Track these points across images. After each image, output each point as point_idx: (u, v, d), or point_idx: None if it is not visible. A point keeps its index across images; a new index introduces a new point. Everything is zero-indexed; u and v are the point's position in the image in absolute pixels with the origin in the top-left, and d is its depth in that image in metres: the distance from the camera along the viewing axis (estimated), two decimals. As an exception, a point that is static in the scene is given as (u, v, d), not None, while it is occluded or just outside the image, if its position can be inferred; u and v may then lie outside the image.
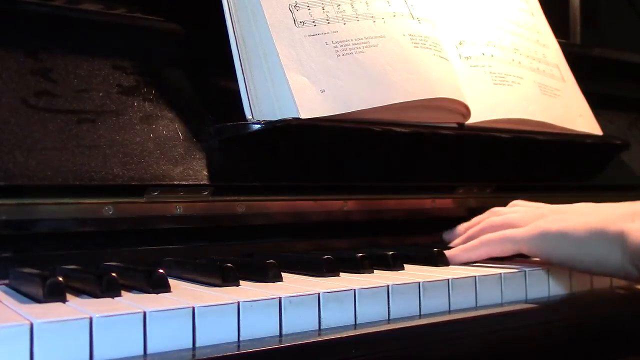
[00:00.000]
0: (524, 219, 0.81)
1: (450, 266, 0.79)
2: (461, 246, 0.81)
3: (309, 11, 0.86)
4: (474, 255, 0.80)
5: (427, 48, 0.91)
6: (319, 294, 0.59)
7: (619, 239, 0.70)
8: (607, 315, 0.77)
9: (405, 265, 0.76)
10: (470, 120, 0.97)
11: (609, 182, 1.22)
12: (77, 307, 0.52)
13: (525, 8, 1.17)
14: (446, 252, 0.81)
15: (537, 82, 1.09)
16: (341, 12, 0.88)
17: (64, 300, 0.55)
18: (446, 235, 0.93)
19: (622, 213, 0.73)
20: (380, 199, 0.97)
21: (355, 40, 0.87)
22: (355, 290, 0.61)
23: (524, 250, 0.77)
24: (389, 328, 0.60)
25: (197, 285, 0.65)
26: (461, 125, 0.97)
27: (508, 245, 0.78)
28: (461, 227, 0.92)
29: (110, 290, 0.57)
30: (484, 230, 0.84)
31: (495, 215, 0.87)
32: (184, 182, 0.79)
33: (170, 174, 0.78)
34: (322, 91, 0.82)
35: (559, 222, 0.76)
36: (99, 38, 0.84)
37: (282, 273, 0.67)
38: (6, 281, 0.69)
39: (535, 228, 0.77)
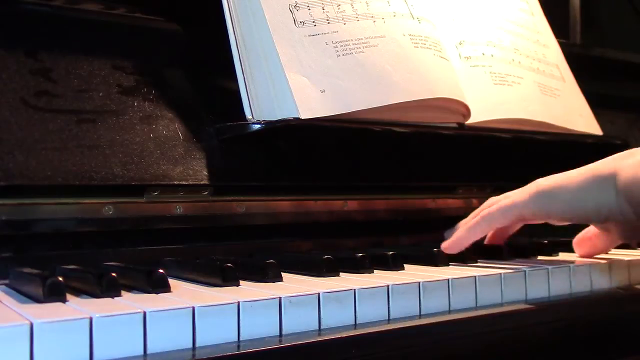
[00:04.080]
0: (519, 191, 0.82)
1: (450, 266, 0.79)
2: (463, 228, 0.81)
3: (309, 11, 0.86)
4: (477, 232, 0.80)
5: (427, 48, 0.91)
6: (319, 294, 0.58)
7: (611, 177, 0.70)
8: (607, 315, 0.77)
9: (405, 265, 0.76)
10: (471, 120, 0.97)
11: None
12: (77, 307, 0.52)
13: (525, 8, 1.17)
14: (449, 239, 0.81)
15: (537, 82, 1.09)
16: (341, 12, 0.88)
17: (64, 300, 0.55)
18: (447, 234, 0.93)
19: (613, 157, 0.75)
20: (380, 199, 0.97)
21: (355, 40, 0.87)
22: (355, 290, 0.61)
23: (524, 212, 0.77)
24: (389, 328, 0.60)
25: (197, 285, 0.65)
26: (461, 125, 0.97)
27: (507, 213, 0.78)
28: (460, 223, 0.92)
29: (110, 290, 0.57)
30: (482, 210, 0.85)
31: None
32: (184, 182, 0.79)
33: (170, 174, 0.78)
34: (322, 91, 0.82)
35: (552, 178, 0.77)
36: (99, 38, 0.84)
37: (282, 273, 0.67)
38: (6, 281, 0.69)
39: (531, 189, 0.78)
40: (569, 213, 0.75)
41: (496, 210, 0.80)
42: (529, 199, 0.77)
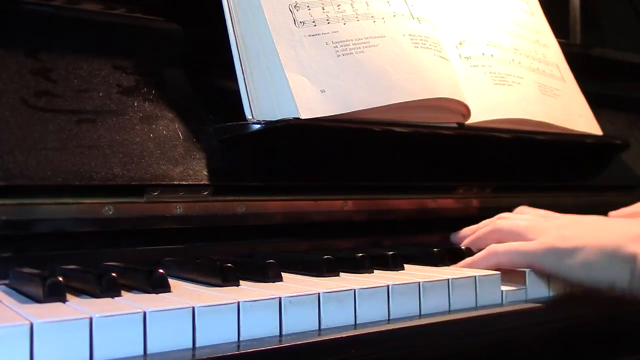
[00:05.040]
0: (532, 228, 0.80)
1: (450, 266, 0.79)
2: (468, 259, 0.80)
3: (309, 11, 0.86)
4: (480, 266, 0.79)
5: (427, 48, 0.91)
6: (319, 294, 0.59)
7: (630, 262, 0.69)
8: (607, 315, 0.77)
9: (405, 265, 0.76)
10: (470, 120, 0.97)
11: (609, 182, 1.22)
12: (77, 307, 0.52)
13: (525, 8, 1.17)
14: (454, 265, 0.80)
15: (537, 82, 1.09)
16: (341, 12, 0.88)
17: (64, 300, 0.55)
18: (453, 237, 0.93)
19: (633, 234, 0.72)
20: (380, 199, 0.97)
21: (355, 40, 0.87)
22: (355, 290, 0.61)
23: (534, 265, 0.75)
24: (389, 328, 0.60)
25: (197, 285, 0.65)
26: (461, 125, 0.97)
27: (516, 259, 0.76)
28: (468, 229, 0.91)
29: (110, 290, 0.57)
30: (493, 232, 0.84)
31: (502, 219, 0.87)
32: (184, 182, 0.79)
33: (170, 174, 0.78)
34: (322, 91, 0.82)
35: (569, 239, 0.74)
36: (99, 38, 0.84)
37: (282, 273, 0.67)
38: (6, 281, 0.69)
39: (544, 244, 0.75)
40: (580, 281, 0.73)
41: (505, 253, 0.77)
42: (541, 254, 0.75)
